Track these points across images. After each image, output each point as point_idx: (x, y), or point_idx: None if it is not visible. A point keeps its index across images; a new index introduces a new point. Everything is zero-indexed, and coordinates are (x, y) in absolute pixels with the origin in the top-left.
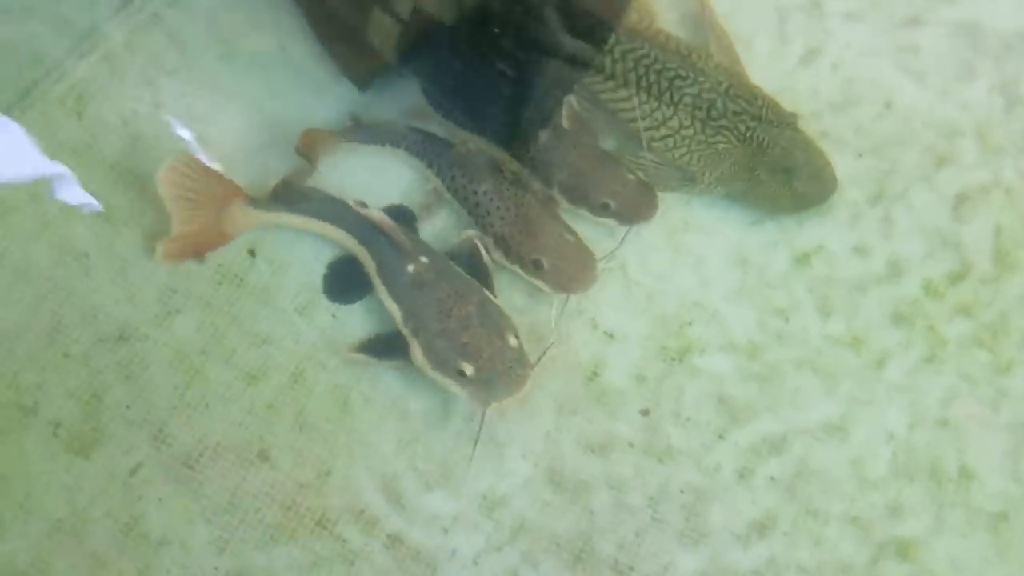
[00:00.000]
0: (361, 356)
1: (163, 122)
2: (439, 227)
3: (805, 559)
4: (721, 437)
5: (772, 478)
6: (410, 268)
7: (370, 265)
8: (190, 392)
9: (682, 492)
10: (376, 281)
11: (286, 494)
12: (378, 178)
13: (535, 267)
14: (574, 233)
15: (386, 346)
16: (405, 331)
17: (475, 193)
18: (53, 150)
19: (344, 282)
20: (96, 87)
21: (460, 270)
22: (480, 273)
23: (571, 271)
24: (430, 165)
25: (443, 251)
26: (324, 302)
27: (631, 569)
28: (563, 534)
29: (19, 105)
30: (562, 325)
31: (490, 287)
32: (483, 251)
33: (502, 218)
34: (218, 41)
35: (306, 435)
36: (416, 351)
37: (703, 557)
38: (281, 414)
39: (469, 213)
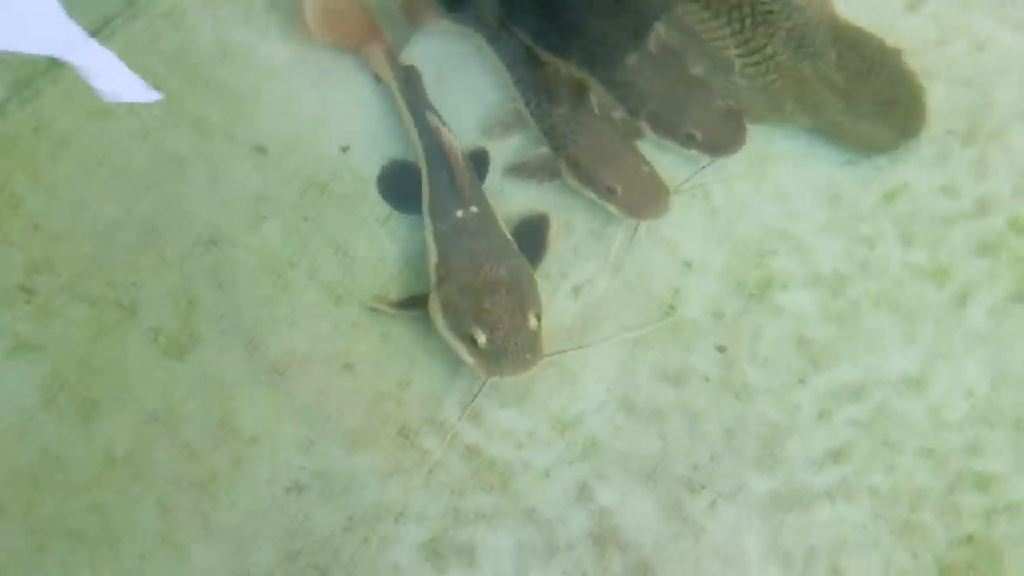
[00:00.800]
0: (383, 307)
1: (257, 31)
2: (515, 147)
3: (878, 482)
4: (801, 382)
5: (850, 419)
6: (459, 213)
7: (425, 192)
8: (279, 307)
9: (759, 426)
10: (424, 210)
11: (369, 403)
12: (465, 90)
13: (609, 192)
14: (648, 164)
15: (410, 299)
16: (433, 276)
17: (552, 115)
18: (153, 62)
19: (398, 187)
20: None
21: (506, 233)
22: (535, 248)
23: (643, 198)
24: (515, 79)
25: (519, 215)
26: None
27: (703, 487)
28: (635, 455)
29: (124, 14)
30: (640, 251)
31: (534, 263)
32: (552, 232)
33: (576, 143)
34: None
35: (388, 349)
36: (434, 301)
37: (777, 479)
38: (366, 332)
39: (545, 134)
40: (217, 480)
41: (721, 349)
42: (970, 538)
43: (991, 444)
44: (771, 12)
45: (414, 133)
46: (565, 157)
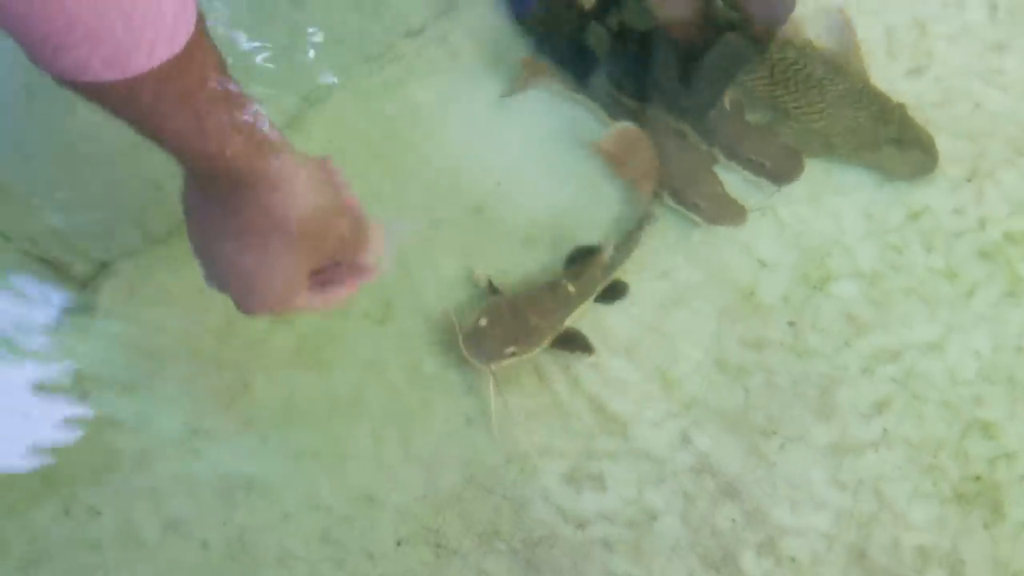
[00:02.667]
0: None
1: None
2: None
3: (911, 434)
4: (848, 344)
5: (888, 376)
6: None
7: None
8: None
9: (818, 377)
10: None
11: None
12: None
13: (695, 207)
14: (726, 189)
15: None
16: None
17: (656, 145)
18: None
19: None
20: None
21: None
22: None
23: (721, 212)
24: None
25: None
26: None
27: (774, 432)
28: (725, 407)
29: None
30: (723, 253)
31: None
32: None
33: (671, 170)
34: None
35: None
36: None
37: (833, 431)
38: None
39: None
40: (412, 416)
41: (791, 324)
42: (977, 478)
43: (992, 396)
44: (824, 79)
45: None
46: (663, 179)
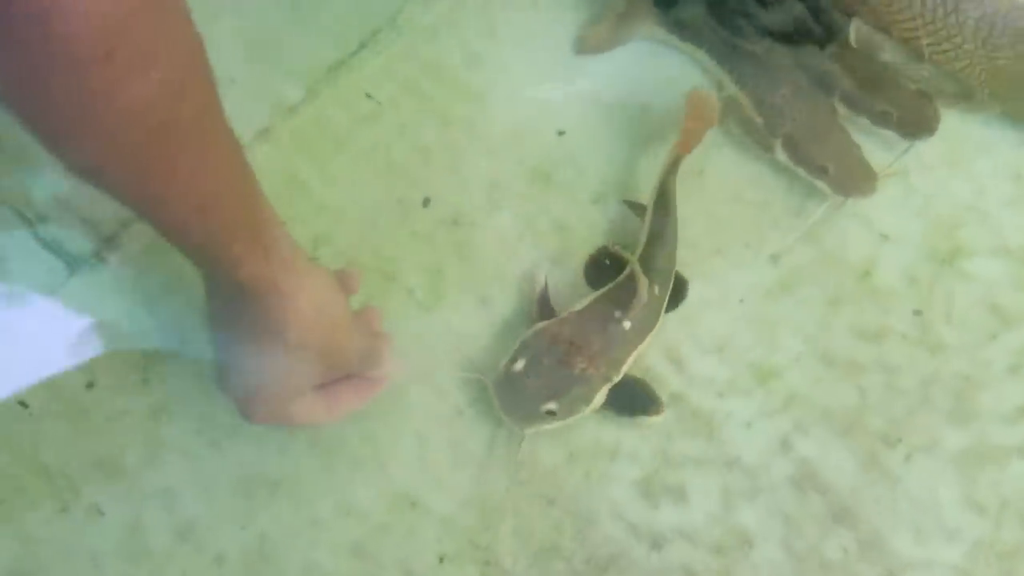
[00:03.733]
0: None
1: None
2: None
3: None
4: (993, 338)
5: None
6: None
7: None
8: (508, 271)
9: (953, 379)
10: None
11: None
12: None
13: (821, 171)
14: (858, 146)
15: None
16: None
17: (771, 95)
18: (411, 70)
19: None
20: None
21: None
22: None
23: (854, 179)
24: (728, 68)
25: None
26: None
27: (899, 441)
28: (834, 406)
29: (388, 29)
30: (837, 225)
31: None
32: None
33: (794, 119)
34: None
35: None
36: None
37: (970, 435)
38: (580, 292)
39: (761, 115)
40: (464, 415)
41: (917, 312)
42: None
43: None
44: (962, 1)
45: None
46: (782, 135)
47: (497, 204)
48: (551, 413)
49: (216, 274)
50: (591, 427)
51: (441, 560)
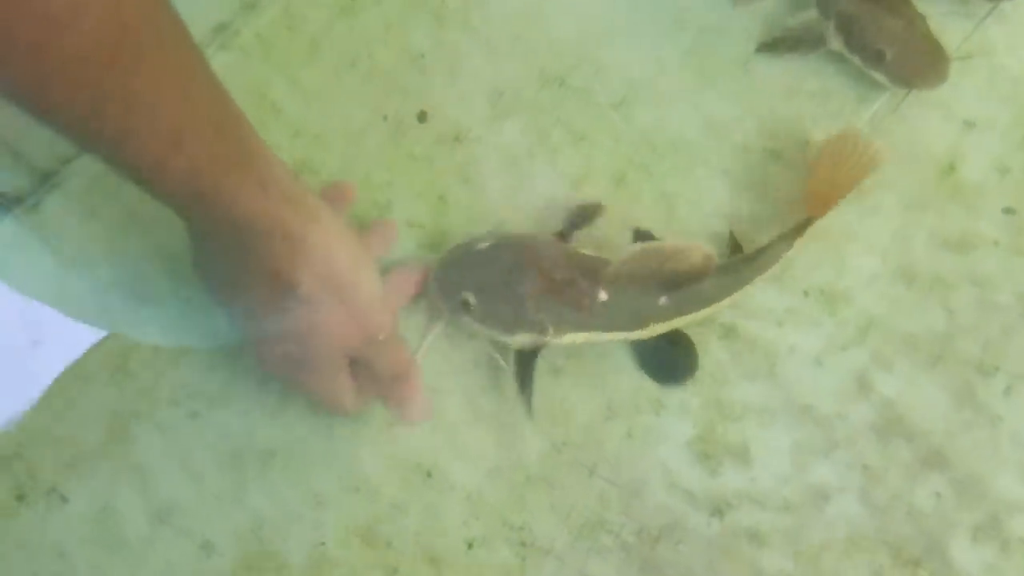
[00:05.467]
0: None
1: None
2: (766, 13)
3: None
4: None
5: None
6: None
7: None
8: (519, 194)
9: None
10: None
11: None
12: None
13: (877, 57)
14: (925, 21)
15: None
16: None
17: None
18: None
19: None
20: None
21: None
22: None
23: (916, 65)
24: None
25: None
26: (641, 101)
27: (997, 369)
28: (918, 333)
29: None
30: (913, 116)
31: None
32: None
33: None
34: None
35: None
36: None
37: None
38: (607, 216)
39: None
40: (481, 368)
41: (1009, 211)
42: None
43: None
44: None
45: None
46: (836, 14)
47: (504, 115)
48: (466, 304)
49: (204, 219)
50: (628, 373)
51: (470, 546)
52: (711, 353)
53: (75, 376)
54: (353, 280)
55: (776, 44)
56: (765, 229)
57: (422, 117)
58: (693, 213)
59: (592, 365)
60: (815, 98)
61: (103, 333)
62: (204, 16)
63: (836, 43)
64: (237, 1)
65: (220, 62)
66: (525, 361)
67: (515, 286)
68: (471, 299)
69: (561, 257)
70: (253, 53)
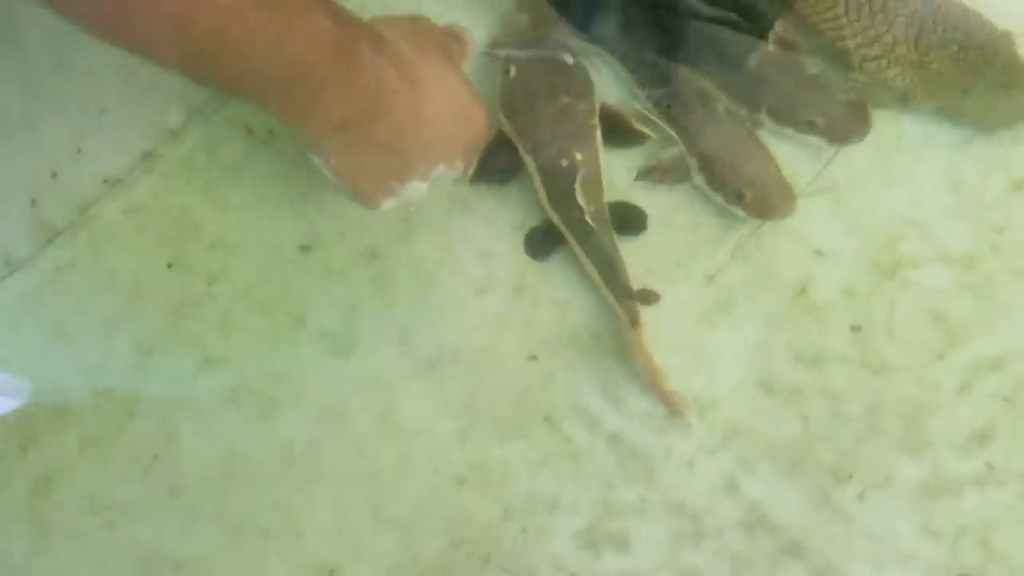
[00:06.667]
0: None
1: None
2: (641, 151)
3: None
4: (940, 357)
5: (992, 393)
6: None
7: None
8: (429, 302)
9: (900, 403)
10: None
11: (517, 394)
12: None
13: (737, 197)
14: (776, 165)
15: None
16: None
17: (685, 114)
18: None
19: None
20: None
21: None
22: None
23: (771, 202)
24: (639, 81)
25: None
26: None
27: (851, 476)
28: (778, 440)
29: None
30: (768, 243)
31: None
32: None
33: (706, 141)
34: None
35: (532, 342)
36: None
37: (924, 466)
38: (508, 323)
39: (677, 133)
40: (384, 474)
41: (855, 329)
42: None
43: None
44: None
45: None
46: (696, 156)
47: (414, 233)
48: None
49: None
50: (526, 481)
51: None
52: (598, 460)
53: None
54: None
55: (650, 173)
56: None
57: (340, 235)
58: None
59: (493, 472)
60: (686, 229)
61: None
62: (133, 144)
63: (699, 180)
64: (164, 131)
65: (144, 186)
66: None
67: None
68: None
69: None
70: (176, 176)
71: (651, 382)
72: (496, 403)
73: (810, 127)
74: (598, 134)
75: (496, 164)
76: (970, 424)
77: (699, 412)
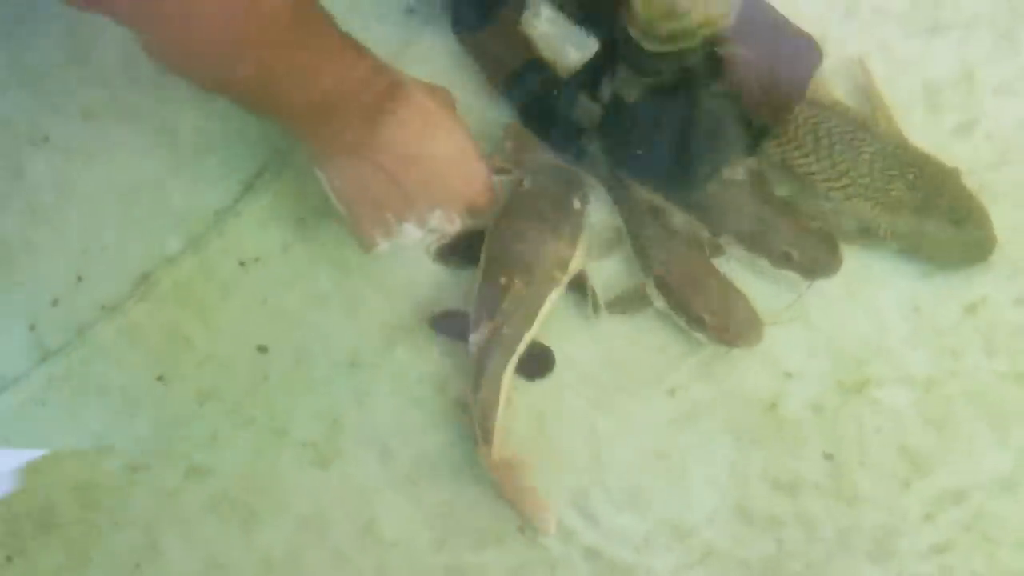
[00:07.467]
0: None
1: None
2: (613, 270)
3: (980, 569)
4: (907, 485)
5: (954, 520)
6: None
7: None
8: (408, 418)
9: (872, 528)
10: None
11: (494, 502)
12: None
13: (698, 323)
14: (738, 291)
15: None
16: None
17: (641, 235)
18: (302, 210)
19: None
20: None
21: None
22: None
23: (735, 330)
24: (614, 199)
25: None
26: None
27: None
28: (752, 560)
29: (272, 169)
30: (739, 363)
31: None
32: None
33: (663, 264)
34: None
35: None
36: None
37: (889, 571)
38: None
39: (636, 254)
40: None
41: (828, 456)
42: None
43: None
44: (855, 139)
45: None
46: (654, 278)
47: (394, 345)
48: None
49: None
50: None
51: None
52: (575, 570)
53: None
54: (468, 145)
55: (615, 303)
56: None
57: (323, 347)
58: None
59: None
60: (654, 350)
61: None
62: (132, 270)
63: (658, 303)
64: (161, 257)
65: (140, 309)
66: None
67: None
68: None
69: None
70: (169, 299)
71: (508, 497)
72: (473, 513)
73: (785, 260)
74: (557, 289)
75: (461, 247)
76: (932, 540)
77: (679, 537)
